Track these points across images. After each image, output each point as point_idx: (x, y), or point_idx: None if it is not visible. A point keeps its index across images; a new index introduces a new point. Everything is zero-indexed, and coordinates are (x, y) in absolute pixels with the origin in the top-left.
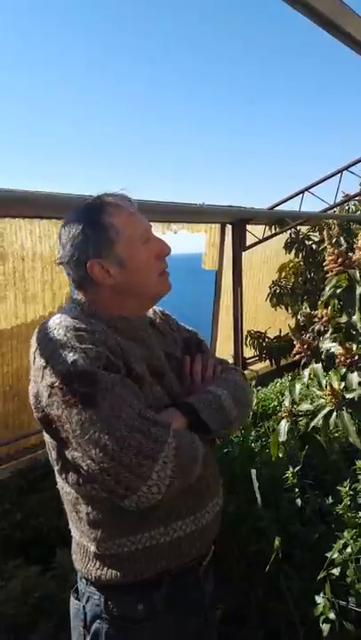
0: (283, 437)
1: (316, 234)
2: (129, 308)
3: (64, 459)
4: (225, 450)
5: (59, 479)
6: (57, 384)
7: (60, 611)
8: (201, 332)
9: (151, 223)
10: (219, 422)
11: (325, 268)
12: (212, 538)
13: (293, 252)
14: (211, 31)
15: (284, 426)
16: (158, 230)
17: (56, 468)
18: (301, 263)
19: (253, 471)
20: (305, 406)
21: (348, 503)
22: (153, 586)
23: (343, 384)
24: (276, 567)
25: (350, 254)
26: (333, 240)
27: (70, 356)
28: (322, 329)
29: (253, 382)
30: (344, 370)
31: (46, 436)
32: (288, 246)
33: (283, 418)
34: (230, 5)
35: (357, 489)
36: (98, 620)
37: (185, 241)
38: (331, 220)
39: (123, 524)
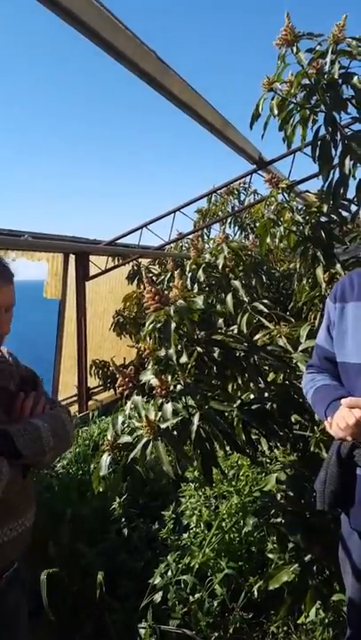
0: (104, 471)
1: (156, 266)
2: None
3: None
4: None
5: None
6: None
7: None
8: (44, 362)
9: None
10: (33, 450)
11: (144, 305)
12: (14, 554)
13: (136, 282)
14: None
15: (105, 459)
16: None
17: None
18: (143, 294)
19: (69, 511)
20: (125, 438)
21: (171, 527)
22: None
23: (160, 414)
24: (101, 602)
25: (166, 292)
26: (154, 278)
27: None
28: (145, 362)
29: (96, 412)
30: (161, 401)
31: None
32: (130, 277)
33: (105, 451)
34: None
35: (179, 512)
36: None
37: (24, 270)
38: (168, 258)
39: None
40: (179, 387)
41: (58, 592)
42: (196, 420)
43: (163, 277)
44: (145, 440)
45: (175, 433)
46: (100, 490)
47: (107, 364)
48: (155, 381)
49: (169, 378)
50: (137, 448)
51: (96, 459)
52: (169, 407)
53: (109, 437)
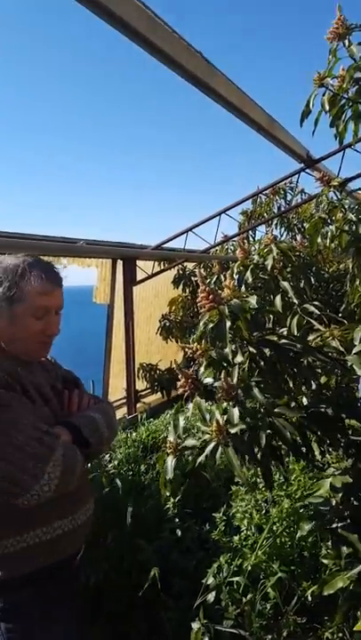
0: (170, 475)
1: (202, 270)
2: (19, 350)
3: None
4: (112, 485)
5: None
6: None
7: None
8: (94, 365)
9: (40, 257)
10: (96, 440)
11: (198, 305)
12: (84, 536)
13: (181, 287)
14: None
15: (170, 463)
16: None
17: None
18: (189, 297)
19: (130, 508)
20: (190, 442)
21: (223, 528)
22: (34, 578)
23: (226, 417)
24: (156, 599)
25: (220, 292)
26: (207, 279)
27: None
28: (201, 361)
29: (145, 415)
30: (225, 404)
31: None
32: (176, 281)
33: (169, 454)
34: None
35: (230, 514)
36: None
37: (75, 275)
38: (214, 260)
39: (8, 525)
40: (239, 391)
41: (115, 586)
42: (265, 425)
43: (209, 280)
44: (213, 444)
45: (244, 438)
46: (168, 494)
47: (154, 367)
48: (219, 384)
49: (229, 378)
50: (205, 452)
51: (159, 462)
52: (236, 411)
53: (172, 440)
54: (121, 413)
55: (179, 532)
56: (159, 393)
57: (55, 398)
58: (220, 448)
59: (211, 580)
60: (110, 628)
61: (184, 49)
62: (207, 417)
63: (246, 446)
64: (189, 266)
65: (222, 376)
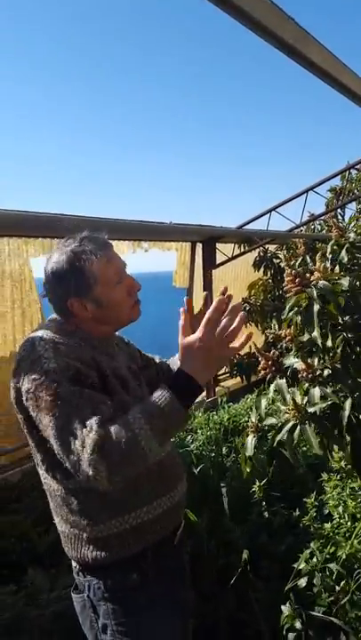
0: (250, 452)
1: (284, 252)
2: (103, 332)
3: (50, 457)
4: (199, 466)
5: (46, 478)
6: (32, 390)
7: (31, 630)
8: (172, 350)
9: (122, 242)
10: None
11: (285, 289)
12: (182, 511)
13: (262, 269)
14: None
15: (250, 441)
16: (129, 248)
17: (43, 468)
18: (270, 281)
19: (223, 487)
20: (270, 421)
21: (314, 515)
22: (141, 557)
23: (306, 398)
24: (245, 579)
25: (308, 275)
26: (293, 261)
27: (45, 367)
28: (288, 346)
29: (224, 398)
30: (307, 385)
31: (30, 439)
32: (257, 264)
33: (249, 433)
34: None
35: (323, 501)
36: (102, 602)
37: (155, 260)
38: (296, 240)
39: (111, 508)
40: (326, 371)
41: (203, 564)
42: (348, 405)
43: (293, 262)
44: (291, 424)
45: (323, 418)
46: (248, 470)
47: None
48: (300, 365)
49: (315, 362)
50: (283, 431)
51: (241, 440)
52: (316, 391)
53: (253, 419)
54: (200, 397)
55: (266, 515)
56: (238, 377)
57: (134, 380)
58: (298, 427)
59: (303, 565)
60: (199, 604)
61: (276, 15)
62: (288, 398)
63: (325, 426)
64: (271, 248)
65: (303, 358)
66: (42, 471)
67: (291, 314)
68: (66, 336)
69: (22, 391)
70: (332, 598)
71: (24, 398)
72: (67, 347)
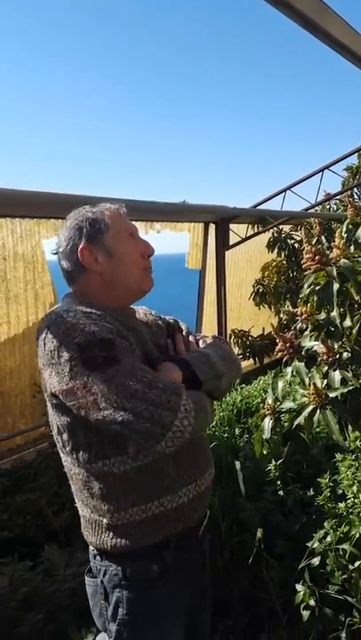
0: (267, 435)
1: (299, 233)
2: (118, 299)
3: (75, 439)
4: (211, 445)
5: (68, 461)
6: (77, 355)
7: (47, 604)
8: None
9: (134, 222)
10: (208, 375)
11: (303, 266)
12: (208, 502)
13: (276, 250)
14: (202, 31)
15: (267, 423)
16: (141, 230)
17: (67, 449)
18: (284, 262)
19: (238, 465)
20: (288, 404)
21: (328, 494)
22: (162, 547)
23: (325, 382)
24: (259, 558)
25: (327, 252)
26: (311, 238)
27: (87, 329)
28: (303, 326)
29: (238, 380)
30: (326, 368)
31: (56, 421)
32: (271, 245)
33: (266, 415)
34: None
35: (337, 480)
36: (117, 589)
37: (168, 241)
38: (312, 219)
39: (133, 494)
40: (345, 354)
41: (217, 541)
42: None
43: (312, 240)
44: (311, 408)
45: (345, 402)
46: (265, 452)
47: (245, 333)
48: (320, 348)
49: (335, 345)
50: (302, 415)
51: (255, 421)
52: (337, 375)
53: (270, 402)
54: None
55: (281, 493)
56: (251, 359)
57: (158, 354)
58: (318, 411)
59: (316, 545)
60: (213, 582)
61: None
62: (307, 381)
63: (346, 410)
64: (285, 228)
65: (323, 340)
66: (64, 454)
67: (308, 291)
68: (89, 307)
69: (61, 362)
70: (345, 576)
71: (68, 369)
72: (97, 315)
